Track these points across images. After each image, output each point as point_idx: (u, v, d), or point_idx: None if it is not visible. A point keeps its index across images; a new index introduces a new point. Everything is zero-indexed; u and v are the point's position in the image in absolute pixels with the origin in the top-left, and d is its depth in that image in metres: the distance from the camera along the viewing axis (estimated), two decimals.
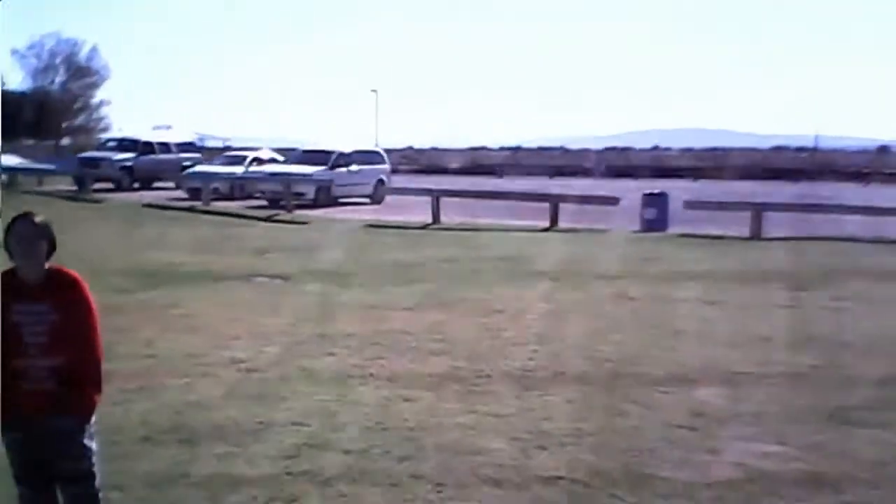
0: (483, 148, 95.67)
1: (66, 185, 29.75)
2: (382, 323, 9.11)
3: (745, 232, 16.96)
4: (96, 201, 25.37)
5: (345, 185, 25.39)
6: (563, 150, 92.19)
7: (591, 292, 11.12)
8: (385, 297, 10.70)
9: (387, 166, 28.04)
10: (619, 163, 60.60)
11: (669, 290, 11.20)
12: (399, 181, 29.56)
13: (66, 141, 63.73)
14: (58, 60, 65.45)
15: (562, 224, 19.22)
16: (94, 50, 65.79)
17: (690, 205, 18.23)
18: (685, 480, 4.93)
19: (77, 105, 67.20)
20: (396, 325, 9.00)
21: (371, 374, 7.17)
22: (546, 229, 18.92)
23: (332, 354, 7.84)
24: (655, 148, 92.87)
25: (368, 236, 18.14)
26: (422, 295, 10.72)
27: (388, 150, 55.73)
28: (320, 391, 6.65)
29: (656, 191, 18.75)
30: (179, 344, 8.16)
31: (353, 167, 26.08)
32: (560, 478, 4.95)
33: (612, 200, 19.59)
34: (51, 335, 3.56)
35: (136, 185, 29.84)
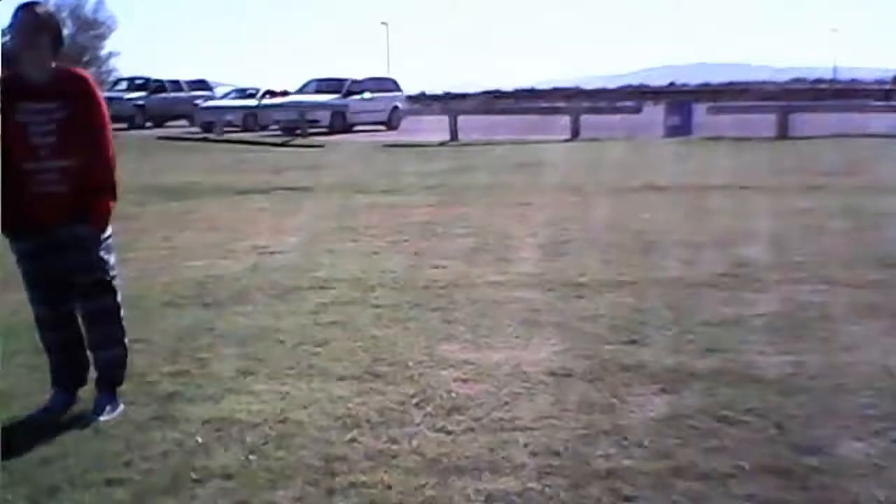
0: (497, 91, 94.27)
1: None
2: (406, 217, 8.87)
3: (772, 133, 16.57)
4: None
5: (360, 112, 25.03)
6: (579, 90, 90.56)
7: (618, 186, 10.82)
8: (407, 198, 10.46)
9: (401, 93, 27.64)
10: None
11: (699, 179, 10.90)
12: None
13: None
14: (64, 14, 64.92)
15: (583, 135, 18.82)
16: (99, 2, 65.20)
17: (715, 110, 17.76)
18: (733, 313, 4.70)
19: (85, 58, 66.80)
20: (420, 218, 8.74)
21: (398, 251, 6.96)
22: (567, 140, 18.53)
23: (355, 241, 7.63)
24: (672, 84, 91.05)
25: (386, 154, 17.84)
26: (444, 194, 10.46)
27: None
28: (346, 263, 6.45)
29: (681, 100, 18.32)
30: (199, 238, 7.98)
31: (367, 94, 25.70)
32: (600, 316, 4.73)
33: (634, 110, 19.14)
34: (60, 134, 3.31)
35: (149, 123, 29.59)
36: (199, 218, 9.42)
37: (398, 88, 27.60)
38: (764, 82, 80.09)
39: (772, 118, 16.86)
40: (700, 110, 18.24)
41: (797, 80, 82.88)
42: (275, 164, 16.50)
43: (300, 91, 26.86)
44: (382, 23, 58.94)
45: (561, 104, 21.34)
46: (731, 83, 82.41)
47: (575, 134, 18.64)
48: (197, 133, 26.02)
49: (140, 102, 29.29)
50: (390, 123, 26.17)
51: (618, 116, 20.29)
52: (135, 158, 18.26)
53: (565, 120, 20.41)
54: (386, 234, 7.80)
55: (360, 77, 26.25)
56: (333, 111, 24.08)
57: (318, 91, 25.58)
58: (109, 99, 23.47)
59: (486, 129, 21.72)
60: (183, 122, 29.92)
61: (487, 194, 10.16)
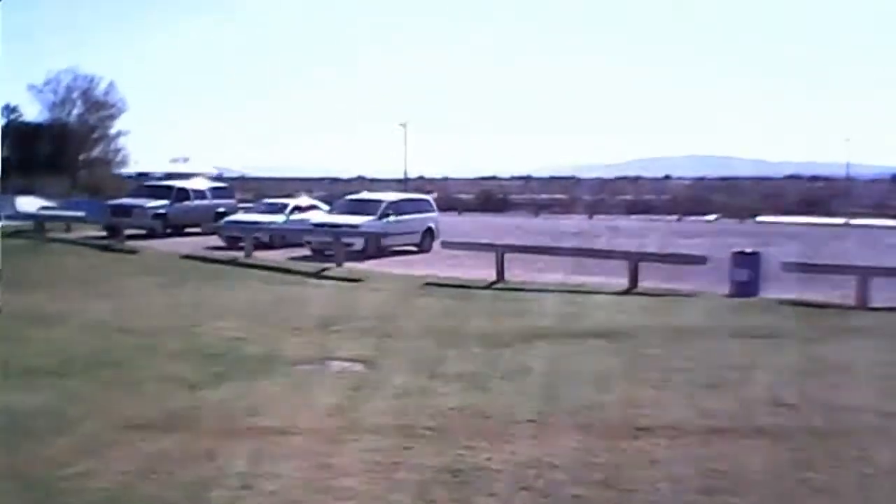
0: (493, 177, 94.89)
1: (95, 230, 28.53)
2: (516, 445, 7.55)
3: (849, 299, 15.46)
4: (131, 251, 24.06)
5: (394, 235, 24.07)
6: (576, 180, 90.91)
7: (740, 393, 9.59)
8: (495, 398, 9.15)
9: (435, 213, 26.77)
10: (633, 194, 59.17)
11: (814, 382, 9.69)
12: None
13: (83, 172, 62.98)
14: (75, 95, 64.97)
15: (642, 283, 17.70)
16: (111, 85, 65.37)
17: (789, 267, 16.65)
18: None
19: (94, 136, 66.55)
20: (530, 452, 7.39)
21: None
22: (626, 291, 17.39)
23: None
24: (667, 177, 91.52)
25: (433, 300, 16.64)
26: (540, 397, 9.16)
27: (399, 181, 54.59)
28: None
29: (748, 249, 17.21)
30: (283, 483, 6.66)
31: (402, 216, 24.79)
32: None
33: (699, 260, 18.04)
34: None
35: (169, 230, 28.59)
36: (267, 429, 8.12)
37: (432, 208, 26.74)
38: (759, 178, 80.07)
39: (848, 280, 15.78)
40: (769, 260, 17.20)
41: (793, 178, 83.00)
42: (318, 308, 15.33)
43: (332, 211, 25.95)
44: (401, 124, 58.65)
45: (616, 249, 20.11)
46: (725, 178, 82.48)
47: (633, 282, 17.49)
48: (221, 247, 24.98)
49: (162, 212, 28.35)
50: (423, 246, 25.21)
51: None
52: (164, 291, 17.21)
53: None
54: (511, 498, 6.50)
55: (395, 197, 25.40)
56: (368, 237, 23.05)
57: (351, 211, 24.62)
58: (131, 207, 22.92)
59: (529, 262, 20.72)
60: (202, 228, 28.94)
61: (594, 409, 8.89)
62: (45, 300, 15.40)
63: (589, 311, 14.92)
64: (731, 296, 16.50)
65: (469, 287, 18.22)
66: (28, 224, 28.42)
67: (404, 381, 9.93)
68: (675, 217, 43.52)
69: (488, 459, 7.16)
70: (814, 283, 16.85)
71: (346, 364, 10.89)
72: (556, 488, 6.51)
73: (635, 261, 17.92)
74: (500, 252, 19.39)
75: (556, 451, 7.37)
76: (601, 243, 26.27)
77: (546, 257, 21.23)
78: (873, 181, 79.66)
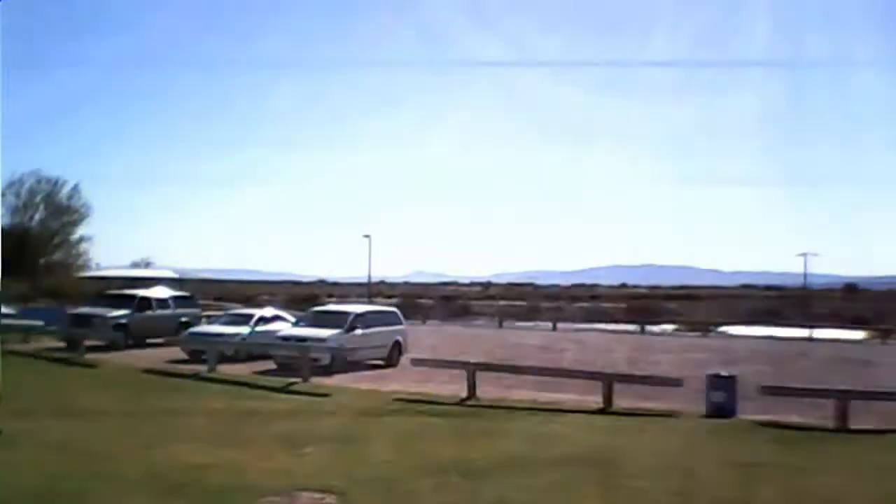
0: (454, 283, 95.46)
1: (53, 342, 27.70)
2: None
3: (827, 421, 15.30)
4: (90, 365, 23.29)
5: (362, 349, 23.61)
6: (534, 287, 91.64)
7: None
8: None
9: (403, 326, 26.35)
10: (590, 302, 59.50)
11: None
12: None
13: (43, 277, 61.99)
14: (37, 199, 64.55)
15: (617, 403, 17.39)
16: (74, 188, 65.10)
17: (768, 390, 16.48)
18: None
19: (55, 241, 65.81)
20: None
21: None
22: (601, 411, 17.05)
23: None
24: (623, 285, 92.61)
25: (404, 419, 16.16)
26: None
27: (359, 284, 54.12)
28: None
29: (724, 372, 17.06)
30: None
31: (370, 329, 24.38)
32: None
33: (675, 382, 17.83)
34: None
35: (131, 341, 27.81)
36: None
37: (399, 321, 26.35)
38: (714, 287, 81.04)
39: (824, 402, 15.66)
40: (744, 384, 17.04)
41: (747, 287, 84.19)
42: (286, 427, 14.78)
43: (299, 324, 25.49)
44: (365, 235, 58.59)
45: (588, 370, 19.90)
46: (682, 286, 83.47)
47: (608, 401, 17.20)
48: (183, 360, 24.31)
49: (123, 321, 27.62)
50: (391, 360, 24.75)
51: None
52: (126, 412, 16.52)
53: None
54: None
55: (362, 310, 25.06)
56: (335, 352, 22.58)
57: (318, 324, 24.16)
58: (90, 317, 22.16)
59: (500, 378, 20.33)
60: (164, 340, 28.21)
61: None
62: None
63: (566, 432, 14.55)
64: (708, 416, 16.25)
65: (440, 403, 17.78)
66: None
67: None
68: (636, 328, 43.55)
69: None
70: (790, 402, 16.71)
71: (318, 496, 10.34)
72: None
73: (610, 381, 17.64)
74: (472, 370, 19.03)
75: None
76: (570, 358, 26.06)
77: (518, 376, 20.85)
78: (826, 289, 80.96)
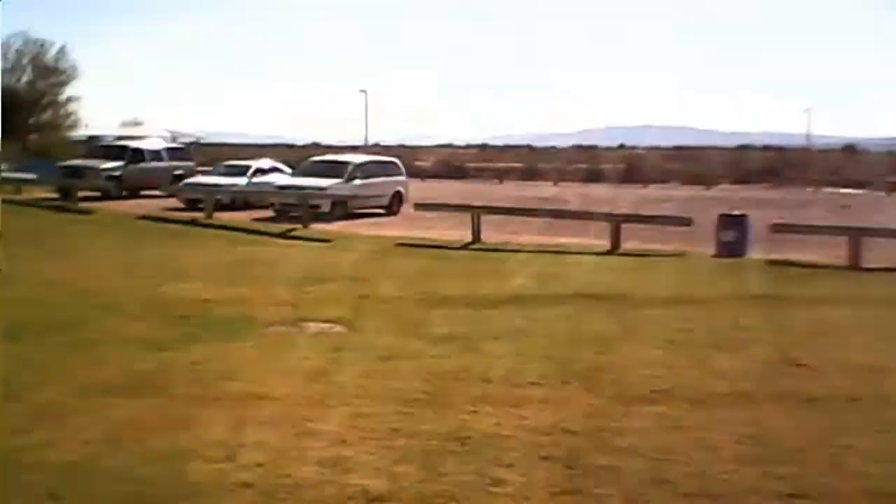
0: (449, 145, 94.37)
1: (46, 193, 27.19)
2: (524, 410, 6.83)
3: (840, 260, 15.00)
4: (85, 212, 22.85)
5: (362, 198, 23.10)
6: (530, 149, 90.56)
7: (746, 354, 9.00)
8: (492, 361, 8.39)
9: (403, 177, 25.82)
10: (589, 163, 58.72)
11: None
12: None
13: (33, 137, 61.32)
14: (24, 61, 62.67)
15: (625, 245, 17.09)
16: (61, 51, 63.05)
17: (779, 228, 16.13)
18: None
19: (44, 101, 64.54)
20: (542, 418, 6.66)
21: None
22: (609, 252, 16.77)
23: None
24: (622, 146, 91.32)
25: (409, 260, 15.89)
26: (539, 359, 8.45)
27: (355, 147, 53.43)
28: None
29: (736, 212, 16.68)
30: (270, 454, 5.88)
31: (370, 179, 23.86)
32: None
33: (684, 221, 17.46)
34: None
35: (125, 192, 27.31)
36: (248, 394, 7.29)
37: (401, 171, 25.78)
38: (713, 147, 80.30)
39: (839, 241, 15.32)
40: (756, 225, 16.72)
41: (745, 147, 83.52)
42: (288, 268, 14.50)
43: (298, 173, 24.90)
44: (361, 90, 57.24)
45: (596, 210, 19.49)
46: (680, 147, 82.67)
47: (615, 243, 16.87)
48: (182, 210, 23.88)
49: (117, 174, 26.99)
50: (391, 210, 24.34)
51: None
52: (123, 251, 16.19)
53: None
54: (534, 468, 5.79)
55: (362, 160, 24.44)
56: (335, 199, 22.11)
57: (317, 174, 23.59)
58: (81, 168, 21.72)
59: (501, 225, 19.98)
60: (159, 192, 27.72)
61: (603, 370, 8.18)
62: None
63: (574, 271, 14.29)
64: (718, 256, 15.98)
65: (445, 247, 17.49)
66: None
67: (390, 342, 9.17)
68: (639, 185, 43.04)
69: (497, 425, 6.46)
70: (799, 245, 16.43)
71: (324, 325, 10.09)
72: (579, 457, 5.83)
73: (618, 222, 17.28)
74: (476, 214, 18.61)
75: (571, 416, 6.68)
76: (574, 207, 25.64)
77: (520, 220, 20.50)
78: (825, 151, 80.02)
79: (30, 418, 6.43)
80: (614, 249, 16.83)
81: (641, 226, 18.18)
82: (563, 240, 18.09)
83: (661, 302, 11.45)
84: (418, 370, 7.99)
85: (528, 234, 19.12)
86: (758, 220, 17.01)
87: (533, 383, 7.62)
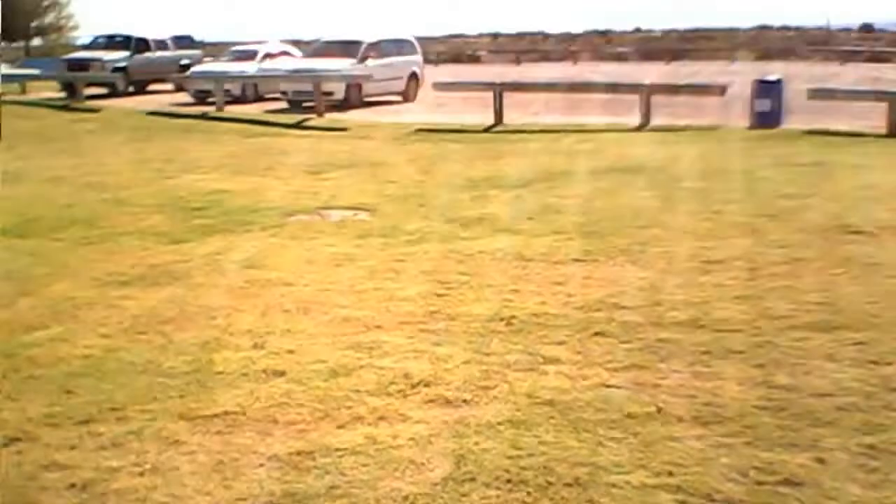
0: (461, 35, 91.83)
1: (52, 91, 26.47)
2: (569, 287, 6.36)
3: (879, 129, 14.26)
4: (92, 110, 22.16)
5: (378, 82, 22.08)
6: (544, 35, 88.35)
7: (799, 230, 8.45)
8: (528, 240, 7.88)
9: (419, 57, 24.63)
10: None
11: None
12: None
13: (36, 41, 60.30)
14: None
15: (656, 121, 16.36)
16: None
17: (817, 93, 15.33)
18: None
19: (45, 3, 63.07)
20: (590, 295, 6.22)
21: None
22: (639, 128, 16.07)
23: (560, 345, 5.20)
24: (637, 30, 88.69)
25: (430, 144, 15.26)
26: (580, 236, 7.93)
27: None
28: None
29: (770, 77, 15.83)
30: (302, 341, 5.45)
31: (385, 59, 22.83)
32: None
33: (718, 90, 16.63)
34: None
35: (132, 88, 26.52)
36: (272, 280, 6.85)
37: (416, 51, 24.61)
38: (729, 29, 77.74)
39: (875, 106, 14.55)
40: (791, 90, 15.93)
41: (764, 28, 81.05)
42: (304, 157, 13.91)
43: (308, 54, 23.87)
44: None
45: (624, 82, 18.66)
46: (697, 29, 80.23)
47: (646, 118, 16.14)
48: (190, 104, 23.17)
49: (122, 65, 26.10)
50: (407, 94, 23.43)
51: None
52: (133, 147, 15.62)
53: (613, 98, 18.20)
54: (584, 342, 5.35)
55: (375, 38, 23.29)
56: (350, 83, 21.24)
57: (328, 54, 22.58)
58: (86, 61, 20.90)
59: (524, 106, 19.20)
60: (168, 86, 26.97)
61: (638, 245, 7.65)
62: None
63: (605, 147, 13.64)
64: (753, 127, 15.26)
65: (466, 131, 16.80)
66: None
67: (418, 226, 8.67)
68: (662, 62, 41.72)
69: (543, 304, 6.00)
70: (834, 114, 15.68)
71: (347, 213, 9.59)
72: (634, 332, 5.37)
73: (647, 94, 16.47)
74: (499, 91, 17.79)
75: (621, 291, 6.21)
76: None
77: (543, 102, 19.71)
78: (844, 30, 77.59)
79: (43, 313, 6.03)
80: (644, 125, 16.11)
81: (673, 98, 17.35)
82: (590, 119, 17.34)
83: (700, 174, 10.82)
84: (452, 252, 7.52)
85: (553, 114, 18.36)
86: (788, 92, 16.21)
87: (576, 260, 7.13)
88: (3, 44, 52.91)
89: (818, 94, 15.38)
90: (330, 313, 5.94)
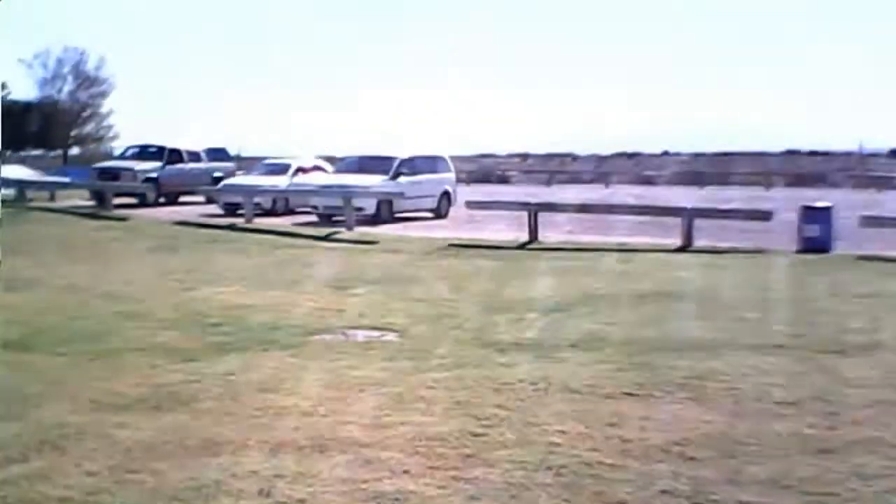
0: (491, 155, 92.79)
1: (81, 199, 26.44)
2: (624, 430, 5.58)
3: None
4: (120, 219, 21.96)
5: (409, 198, 21.75)
6: (573, 157, 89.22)
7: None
8: (574, 369, 7.13)
9: (451, 175, 24.41)
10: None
11: None
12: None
13: (74, 150, 61.44)
14: (65, 70, 62.83)
15: (698, 242, 15.71)
16: (102, 60, 63.09)
17: (867, 222, 14.71)
18: None
19: (85, 114, 64.61)
20: (660, 436, 5.49)
21: None
22: (681, 249, 15.40)
23: None
24: (666, 153, 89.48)
25: (462, 261, 14.67)
26: (631, 367, 7.17)
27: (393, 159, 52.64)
28: None
29: (818, 203, 15.26)
30: (317, 489, 4.67)
31: (417, 176, 22.60)
32: None
33: (764, 215, 16.04)
34: None
35: (162, 199, 26.42)
36: (286, 408, 6.12)
37: (449, 169, 24.42)
38: (758, 153, 77.83)
39: None
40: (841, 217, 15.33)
41: (792, 153, 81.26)
42: (331, 271, 13.37)
43: (340, 170, 23.73)
44: (399, 101, 57.12)
45: (671, 205, 18.17)
46: (726, 152, 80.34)
47: (687, 240, 15.50)
48: (219, 215, 22.90)
49: (153, 175, 26.07)
50: (439, 211, 23.07)
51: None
52: (156, 258, 15.17)
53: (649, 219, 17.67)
54: None
55: (408, 155, 23.13)
56: (380, 199, 20.94)
57: (360, 170, 22.41)
58: (117, 170, 20.72)
59: (558, 225, 18.69)
60: (199, 198, 26.82)
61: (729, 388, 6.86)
62: (16, 266, 13.37)
63: (646, 270, 12.97)
64: (801, 252, 14.57)
65: (500, 248, 16.22)
66: (9, 193, 26.31)
67: (450, 350, 7.97)
68: (695, 186, 41.31)
69: (595, 450, 5.19)
70: (884, 241, 14.99)
71: (374, 333, 8.91)
72: (708, 491, 4.54)
73: (690, 216, 15.88)
74: (533, 211, 17.32)
75: (686, 437, 5.40)
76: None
77: (577, 220, 19.20)
78: (872, 155, 77.52)
79: (27, 442, 5.31)
80: (686, 247, 15.46)
81: (714, 222, 16.76)
82: (627, 238, 16.74)
83: (755, 301, 10.08)
84: (488, 380, 6.77)
85: (588, 233, 17.80)
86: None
87: (628, 394, 6.36)
88: (39, 151, 54.04)
89: (870, 221, 14.75)
90: (349, 452, 5.18)
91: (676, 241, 15.84)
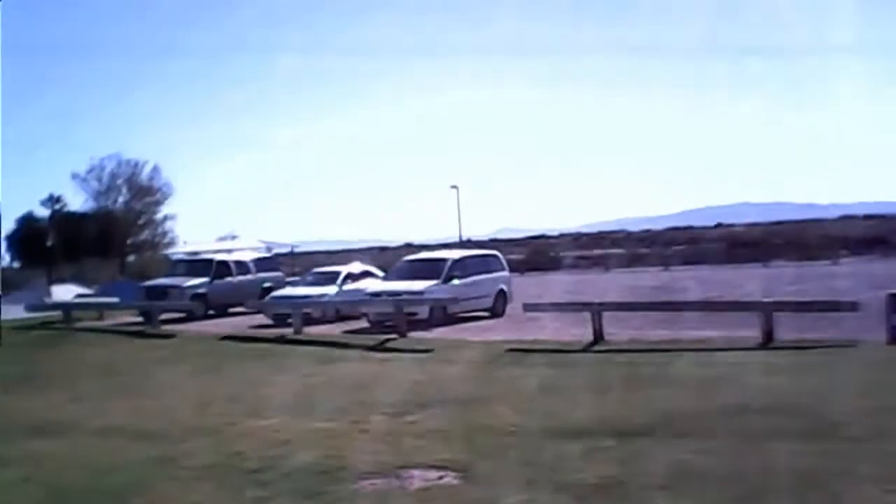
0: (542, 236, 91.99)
1: (130, 316, 25.96)
2: None
3: None
4: (166, 336, 21.31)
5: (463, 300, 20.78)
6: (626, 234, 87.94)
7: None
8: None
9: (506, 273, 23.44)
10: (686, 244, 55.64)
11: None
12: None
13: (131, 258, 62.02)
14: (119, 181, 64.22)
15: (778, 335, 14.39)
16: (155, 169, 64.47)
17: None
18: None
19: (141, 221, 65.52)
20: None
21: None
22: (763, 346, 14.10)
23: None
24: (719, 225, 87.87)
25: (524, 370, 13.52)
26: None
27: (447, 245, 52.09)
28: None
29: None
30: None
31: (470, 278, 21.69)
32: None
33: (849, 306, 14.68)
34: None
35: (211, 311, 25.81)
36: None
37: (503, 266, 23.47)
38: (814, 220, 75.77)
39: None
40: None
41: (847, 218, 79.17)
42: (381, 390, 12.36)
43: (390, 276, 22.90)
44: (452, 186, 56.67)
45: (746, 300, 16.97)
46: (779, 222, 78.33)
47: (768, 336, 14.21)
48: (268, 326, 22.13)
49: (202, 291, 25.53)
50: (495, 310, 22.02)
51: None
52: (198, 381, 14.34)
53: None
54: None
55: (460, 255, 22.30)
56: (433, 304, 20.02)
57: (411, 276, 21.58)
58: (165, 287, 20.05)
59: (623, 318, 17.50)
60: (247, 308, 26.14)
61: None
62: (52, 403, 12.65)
63: (731, 375, 11.66)
64: (892, 343, 13.21)
65: (563, 351, 15.07)
66: (56, 314, 25.95)
67: (521, 500, 6.82)
68: (757, 264, 39.68)
69: None
70: None
71: (432, 474, 7.81)
72: None
73: (769, 311, 14.59)
74: (597, 311, 16.20)
75: None
76: (697, 295, 23.03)
77: (644, 314, 18.01)
78: None
79: None
80: (768, 342, 14.15)
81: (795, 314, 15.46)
82: (701, 333, 15.48)
83: (867, 415, 8.76)
84: None
85: (656, 327, 16.58)
86: None
87: None
88: (97, 259, 54.48)
89: None
90: None
91: (753, 334, 14.54)
